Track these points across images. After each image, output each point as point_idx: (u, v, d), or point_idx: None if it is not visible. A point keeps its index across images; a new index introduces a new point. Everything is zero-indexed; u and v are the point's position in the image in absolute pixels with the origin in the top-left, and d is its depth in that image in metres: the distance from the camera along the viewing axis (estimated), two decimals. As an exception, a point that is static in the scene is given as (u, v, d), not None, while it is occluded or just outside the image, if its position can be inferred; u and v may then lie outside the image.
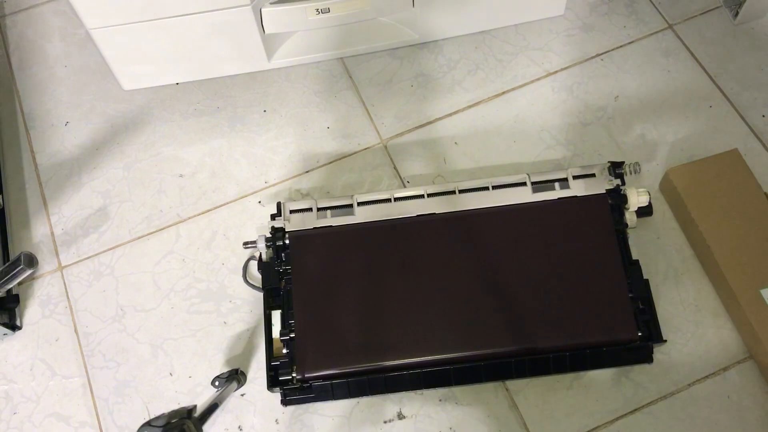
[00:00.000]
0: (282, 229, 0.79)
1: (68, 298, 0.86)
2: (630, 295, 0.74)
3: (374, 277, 0.76)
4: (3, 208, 0.90)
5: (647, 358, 0.75)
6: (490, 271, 0.76)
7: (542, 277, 0.75)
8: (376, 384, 0.74)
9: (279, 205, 0.81)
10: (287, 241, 0.78)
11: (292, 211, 0.80)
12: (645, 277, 0.76)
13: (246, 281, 0.84)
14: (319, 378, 0.71)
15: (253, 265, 0.85)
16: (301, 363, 0.71)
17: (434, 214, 0.79)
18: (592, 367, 0.76)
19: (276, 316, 0.78)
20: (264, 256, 0.81)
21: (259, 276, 0.81)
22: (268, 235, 0.79)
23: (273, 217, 0.81)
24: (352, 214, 0.80)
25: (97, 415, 0.80)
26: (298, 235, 0.79)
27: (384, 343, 0.72)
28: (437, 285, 0.75)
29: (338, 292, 0.75)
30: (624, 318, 0.73)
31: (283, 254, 0.78)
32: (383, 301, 0.74)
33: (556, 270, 0.76)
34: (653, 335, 0.74)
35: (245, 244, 0.82)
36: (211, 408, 0.71)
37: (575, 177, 0.81)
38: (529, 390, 0.77)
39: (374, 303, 0.74)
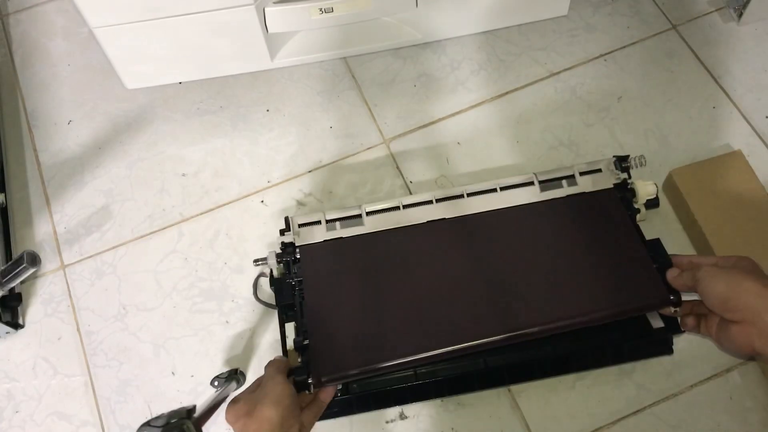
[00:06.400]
0: (292, 244, 0.79)
1: (70, 296, 0.86)
2: (655, 265, 0.73)
3: (388, 282, 0.75)
4: (6, 207, 0.91)
5: (667, 350, 0.75)
6: (508, 266, 0.75)
7: (567, 263, 0.75)
8: (400, 394, 0.74)
9: (287, 219, 0.80)
10: (298, 255, 0.78)
11: (300, 225, 0.80)
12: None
13: (257, 299, 0.84)
14: (333, 381, 0.70)
15: (264, 281, 0.84)
16: (316, 368, 0.70)
17: (444, 219, 0.79)
18: (613, 362, 0.76)
19: (290, 327, 0.78)
20: (275, 272, 0.81)
21: (269, 291, 0.81)
22: (279, 251, 0.79)
23: (282, 232, 0.80)
24: (361, 224, 0.80)
25: (99, 413, 0.80)
26: (309, 248, 0.78)
27: (400, 344, 0.71)
28: (453, 283, 0.74)
29: (351, 299, 0.74)
30: (652, 282, 0.72)
31: (294, 268, 0.78)
32: (397, 305, 0.73)
33: (578, 255, 0.75)
34: (672, 325, 0.74)
35: (255, 261, 0.81)
36: (211, 408, 0.71)
37: (582, 173, 0.81)
38: (531, 391, 0.77)
39: (388, 307, 0.73)
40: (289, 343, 0.78)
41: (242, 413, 0.64)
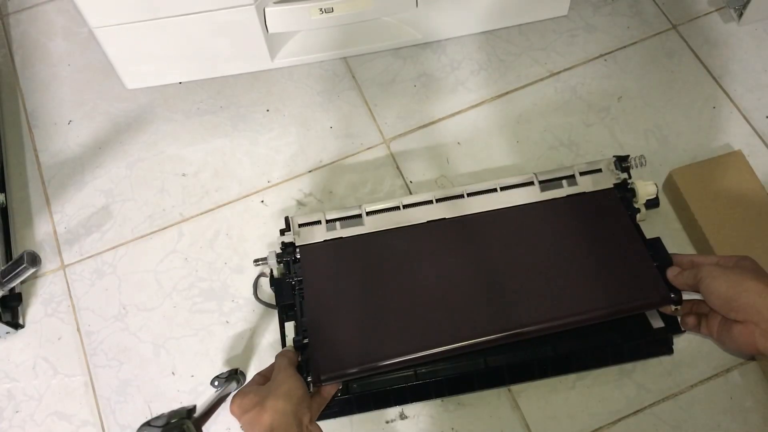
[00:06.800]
0: (292, 244, 0.79)
1: (71, 296, 0.86)
2: (655, 264, 0.73)
3: (387, 282, 0.75)
4: (6, 207, 0.91)
5: (667, 350, 0.75)
6: (508, 265, 0.75)
7: (567, 262, 0.75)
8: (400, 394, 0.74)
9: (287, 219, 0.80)
10: (298, 255, 0.78)
11: (300, 225, 0.80)
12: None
13: (257, 299, 0.84)
14: (332, 379, 0.70)
15: (264, 281, 0.84)
16: (315, 367, 0.70)
17: (444, 219, 0.79)
18: (613, 362, 0.76)
19: (289, 326, 0.78)
20: (275, 272, 0.81)
21: (269, 291, 0.81)
22: (279, 251, 0.79)
23: (282, 232, 0.80)
24: (361, 224, 0.80)
25: (99, 413, 0.80)
26: (309, 248, 0.78)
27: (400, 343, 0.71)
28: (453, 283, 0.74)
29: (351, 299, 0.74)
30: (653, 281, 0.72)
31: (294, 268, 0.78)
32: (397, 304, 0.73)
33: (578, 255, 0.75)
34: (673, 325, 0.74)
35: (255, 261, 0.81)
36: (212, 408, 0.71)
37: (582, 173, 0.81)
38: (531, 391, 0.77)
39: (388, 307, 0.73)
40: (289, 343, 0.78)
41: (252, 404, 0.64)
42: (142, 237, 0.89)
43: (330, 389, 0.71)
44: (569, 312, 0.71)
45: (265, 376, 0.70)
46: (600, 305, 0.72)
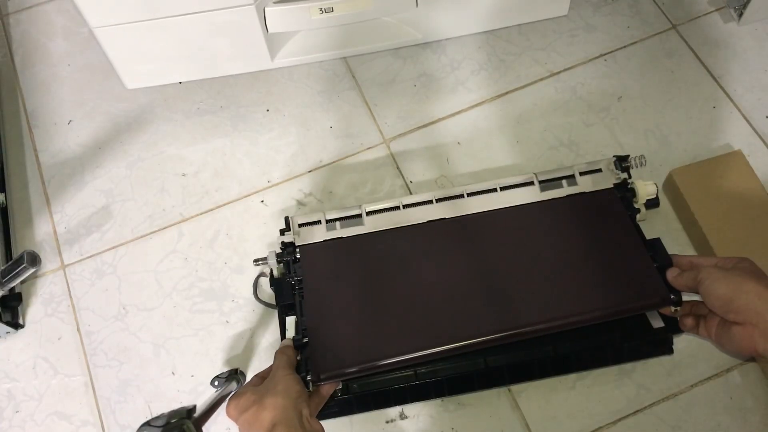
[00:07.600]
0: (292, 244, 0.79)
1: (71, 296, 0.86)
2: (655, 264, 0.73)
3: (387, 282, 0.75)
4: (6, 207, 0.91)
5: (667, 350, 0.75)
6: (508, 265, 0.75)
7: (567, 262, 0.75)
8: (400, 394, 0.74)
9: (287, 219, 0.81)
10: (298, 255, 0.78)
11: (300, 225, 0.80)
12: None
13: (257, 299, 0.84)
14: (332, 378, 0.70)
15: (264, 281, 0.84)
16: (315, 366, 0.70)
17: (444, 219, 0.79)
18: (613, 362, 0.76)
19: (290, 323, 0.78)
20: (275, 272, 0.81)
21: (269, 291, 0.81)
22: (279, 251, 0.79)
23: (282, 232, 0.80)
24: (361, 224, 0.80)
25: (99, 413, 0.80)
26: (309, 248, 0.78)
27: (399, 342, 0.71)
28: (452, 283, 0.74)
29: (351, 298, 0.74)
30: (653, 281, 0.72)
31: (294, 268, 0.78)
32: (397, 304, 0.73)
33: (578, 255, 0.75)
34: (672, 325, 0.74)
35: (255, 261, 0.82)
36: (212, 408, 0.71)
37: (582, 173, 0.81)
38: (531, 391, 0.77)
39: (387, 306, 0.73)
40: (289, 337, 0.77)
41: (250, 404, 0.64)
42: (142, 237, 0.89)
43: (329, 388, 0.71)
44: (569, 312, 0.71)
45: (262, 378, 0.70)
46: (600, 305, 0.72)
